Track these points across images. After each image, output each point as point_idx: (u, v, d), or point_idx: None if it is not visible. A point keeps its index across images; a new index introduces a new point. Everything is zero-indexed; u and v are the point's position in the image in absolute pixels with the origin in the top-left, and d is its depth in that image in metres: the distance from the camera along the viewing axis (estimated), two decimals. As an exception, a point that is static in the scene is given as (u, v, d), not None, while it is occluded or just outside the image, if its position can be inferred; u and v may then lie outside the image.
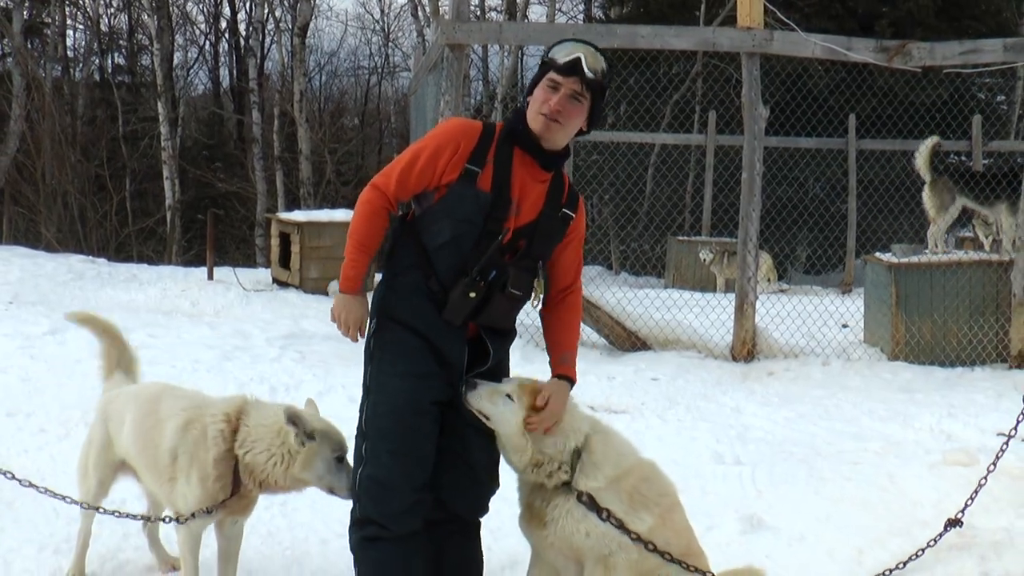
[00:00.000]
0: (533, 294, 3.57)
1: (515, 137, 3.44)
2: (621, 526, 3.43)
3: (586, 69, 3.37)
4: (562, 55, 3.40)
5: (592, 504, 3.42)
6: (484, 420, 3.41)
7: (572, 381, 3.53)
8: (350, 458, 3.52)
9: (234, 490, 3.64)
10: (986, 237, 12.19)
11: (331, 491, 3.61)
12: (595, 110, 3.48)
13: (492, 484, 3.62)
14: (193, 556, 3.74)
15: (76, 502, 3.95)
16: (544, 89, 3.40)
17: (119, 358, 4.36)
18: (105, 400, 4.16)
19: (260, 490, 3.68)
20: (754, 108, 8.77)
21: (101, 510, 3.98)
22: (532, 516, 3.51)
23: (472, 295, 3.34)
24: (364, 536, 3.41)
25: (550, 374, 3.53)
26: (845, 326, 10.11)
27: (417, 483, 3.38)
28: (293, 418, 3.52)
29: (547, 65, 3.43)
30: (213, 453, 3.59)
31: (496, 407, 3.39)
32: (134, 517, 4.07)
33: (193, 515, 3.61)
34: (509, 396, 3.40)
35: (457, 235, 3.36)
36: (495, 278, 3.36)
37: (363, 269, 3.47)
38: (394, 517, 3.36)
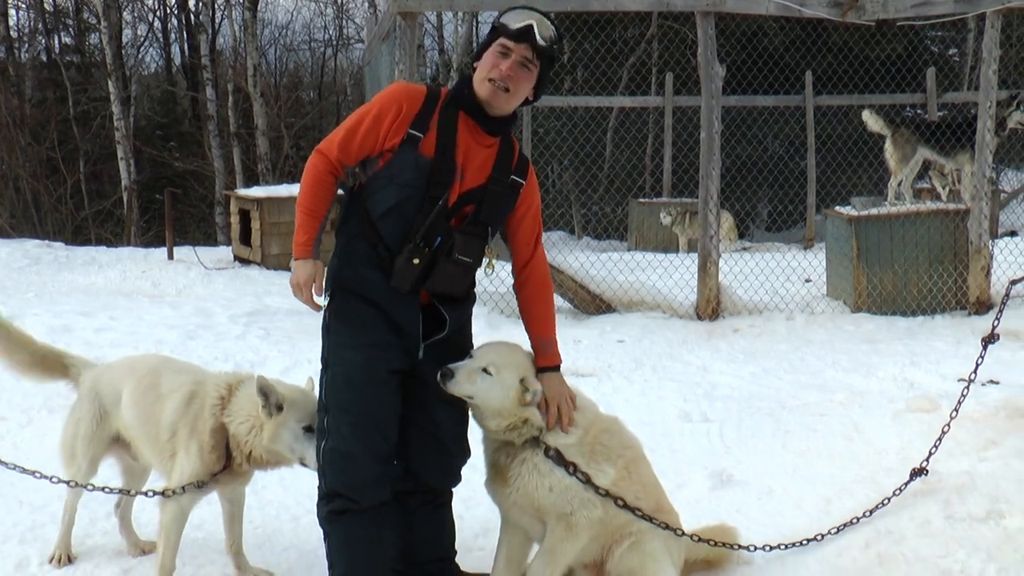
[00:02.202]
0: (485, 261, 3.55)
1: (460, 101, 3.40)
2: (588, 480, 3.46)
3: (538, 36, 3.35)
4: (514, 21, 3.37)
5: (559, 459, 3.45)
6: (468, 400, 3.43)
7: (557, 367, 3.57)
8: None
9: (227, 464, 3.69)
10: (943, 188, 12.31)
11: (302, 462, 3.62)
12: (543, 79, 3.45)
13: (462, 454, 3.64)
14: (177, 532, 3.75)
15: (64, 481, 3.93)
16: (494, 55, 3.37)
17: (54, 360, 4.25)
18: (93, 376, 4.08)
19: (249, 464, 3.71)
20: (710, 67, 8.76)
21: (90, 487, 3.97)
22: (497, 474, 3.53)
23: (416, 261, 3.31)
24: (332, 509, 3.40)
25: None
26: (808, 281, 10.19)
27: (380, 453, 3.37)
28: (263, 389, 3.55)
29: (497, 31, 3.40)
30: (209, 424, 3.65)
31: (475, 385, 3.39)
32: (125, 492, 4.06)
33: (184, 489, 3.64)
34: (486, 370, 3.40)
35: (401, 200, 3.34)
36: (440, 244, 3.34)
37: (313, 234, 3.42)
38: (359, 489, 3.35)
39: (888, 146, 9.83)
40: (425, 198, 3.33)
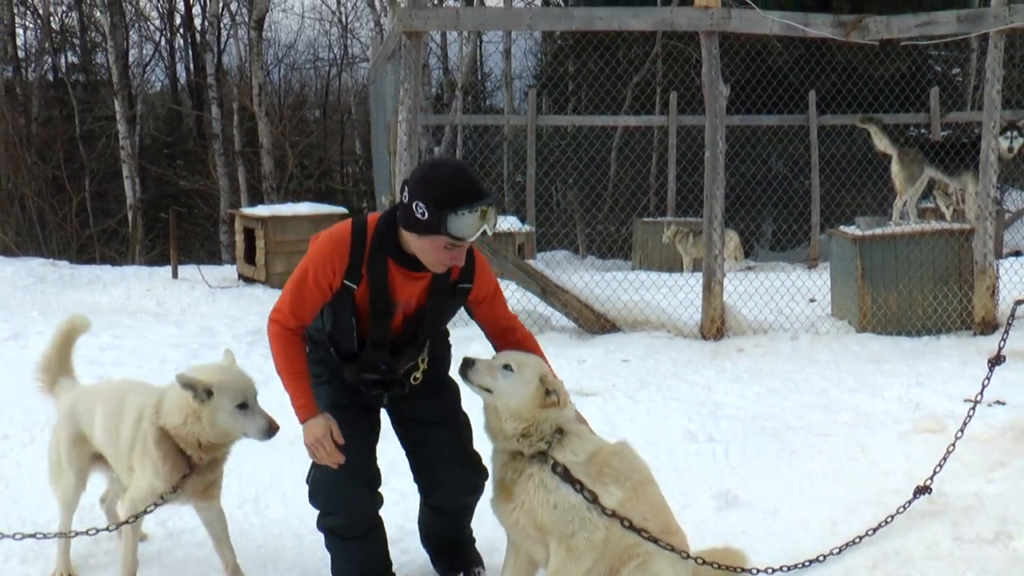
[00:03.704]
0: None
1: (390, 251, 3.47)
2: (595, 500, 3.44)
3: (490, 232, 3.40)
4: (467, 231, 3.27)
5: (566, 475, 3.44)
6: (486, 394, 3.48)
7: None
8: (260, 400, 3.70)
9: (191, 467, 3.72)
10: (947, 207, 12.32)
11: (244, 435, 3.70)
12: None
13: (475, 466, 3.81)
14: (134, 537, 3.84)
15: (52, 535, 3.97)
16: (441, 247, 3.33)
17: (63, 366, 4.38)
18: (71, 399, 4.16)
19: (208, 453, 3.73)
20: (714, 87, 8.77)
21: (74, 534, 4.03)
22: (502, 492, 3.54)
23: (363, 376, 3.63)
24: (326, 526, 3.71)
25: None
26: (812, 300, 10.17)
27: (354, 471, 3.57)
28: (185, 382, 3.58)
29: (447, 234, 3.27)
30: (150, 435, 3.69)
31: (497, 380, 3.45)
32: (108, 529, 4.06)
33: (157, 503, 3.70)
34: (507, 367, 3.47)
35: (345, 329, 3.58)
36: (386, 369, 3.61)
37: (308, 393, 3.53)
38: (344, 516, 3.63)
39: (894, 166, 9.83)
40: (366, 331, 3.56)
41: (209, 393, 3.59)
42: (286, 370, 3.52)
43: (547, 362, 3.67)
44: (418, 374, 3.68)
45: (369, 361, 3.59)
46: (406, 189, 3.34)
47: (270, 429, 3.67)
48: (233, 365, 3.80)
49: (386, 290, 3.49)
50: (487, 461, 3.69)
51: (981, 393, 4.76)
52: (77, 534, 3.98)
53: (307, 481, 3.72)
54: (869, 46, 9.42)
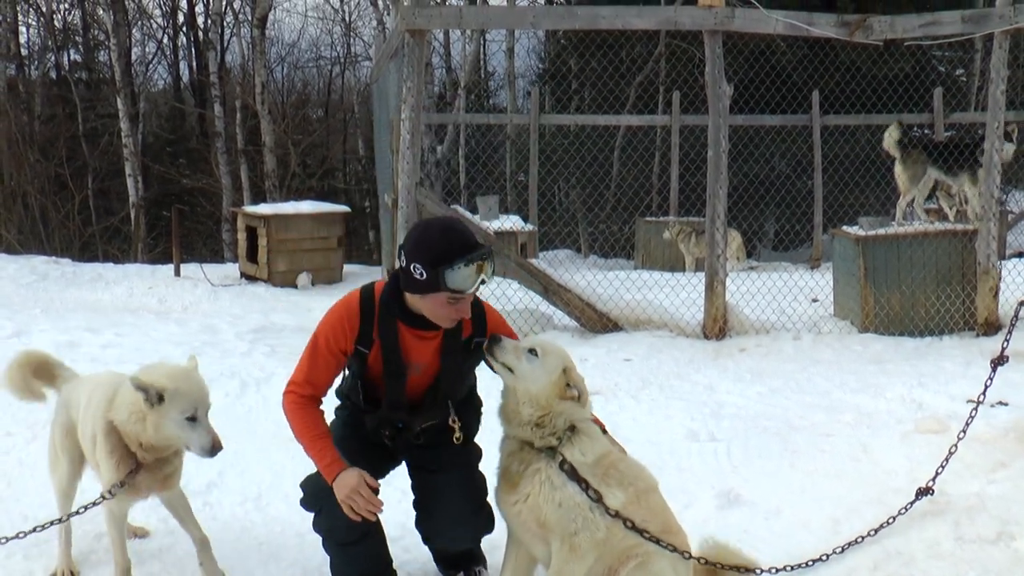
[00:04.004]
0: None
1: (398, 314, 3.56)
2: (599, 499, 3.45)
3: (488, 281, 3.47)
4: (464, 284, 3.39)
5: (573, 474, 3.44)
6: (507, 374, 3.49)
7: None
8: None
9: (138, 464, 3.69)
10: (950, 208, 12.29)
11: (187, 447, 3.66)
12: None
13: (477, 528, 3.80)
14: (118, 532, 3.82)
15: (46, 525, 3.94)
16: (444, 302, 3.44)
17: (51, 371, 4.36)
18: (66, 390, 4.19)
19: (149, 454, 3.69)
20: (717, 86, 8.77)
21: (64, 518, 4.03)
22: (506, 483, 3.55)
23: (384, 433, 3.69)
24: (323, 528, 3.70)
25: None
26: (815, 300, 10.16)
27: None
28: (139, 384, 3.53)
29: (446, 287, 3.38)
30: (100, 426, 3.66)
31: (521, 362, 3.47)
32: (87, 507, 4.00)
33: (105, 496, 3.68)
34: (533, 351, 3.48)
35: (362, 390, 3.70)
36: (402, 427, 3.67)
37: (332, 450, 3.56)
38: (336, 520, 3.56)
39: (899, 166, 9.84)
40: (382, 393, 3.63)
41: (160, 398, 3.54)
42: (305, 435, 3.56)
43: None
44: (458, 435, 3.70)
45: (387, 419, 3.65)
46: (402, 254, 3.47)
47: (213, 447, 3.61)
48: (192, 372, 3.73)
49: (398, 351, 3.57)
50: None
51: (984, 393, 4.75)
52: (52, 524, 3.97)
53: (301, 486, 3.72)
54: (873, 46, 9.42)
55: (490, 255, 3.47)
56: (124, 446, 3.67)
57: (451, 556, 4.01)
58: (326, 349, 3.57)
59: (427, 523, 3.80)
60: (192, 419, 3.58)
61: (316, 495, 3.63)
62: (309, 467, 5.38)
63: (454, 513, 3.69)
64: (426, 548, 4.11)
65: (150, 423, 3.57)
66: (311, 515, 3.73)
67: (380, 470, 3.73)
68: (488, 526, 3.77)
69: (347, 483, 3.45)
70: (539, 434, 3.49)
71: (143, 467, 3.69)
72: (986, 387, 4.74)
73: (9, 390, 4.28)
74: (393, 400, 3.63)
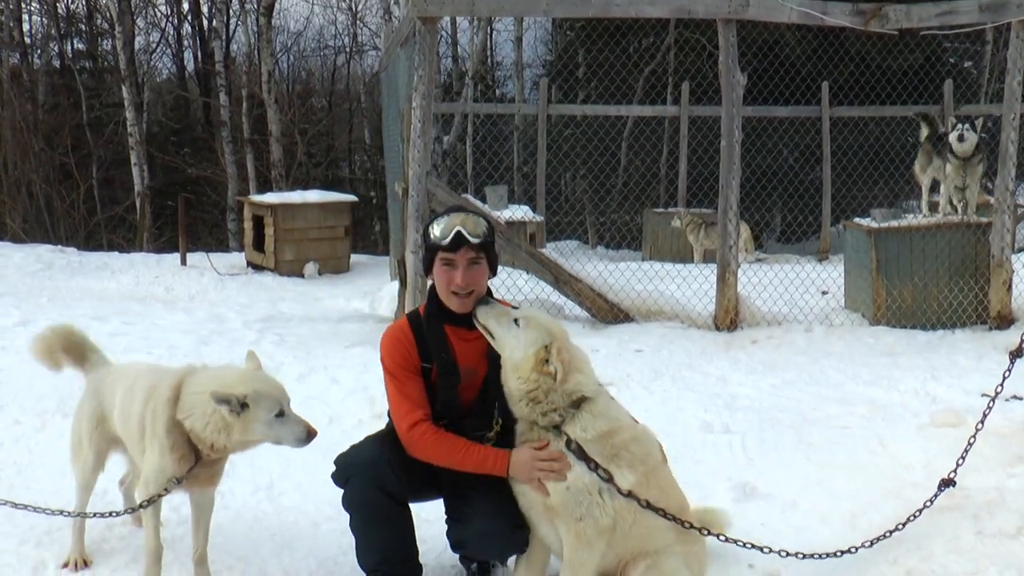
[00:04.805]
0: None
1: (441, 317, 3.68)
2: (610, 479, 3.42)
3: (470, 237, 3.54)
4: (443, 234, 3.58)
5: (580, 453, 3.42)
6: (489, 338, 3.53)
7: None
8: (294, 407, 3.63)
9: (196, 458, 3.64)
10: (958, 202, 12.19)
11: (278, 443, 3.62)
12: (492, 259, 3.70)
13: (512, 540, 3.66)
14: (154, 520, 3.75)
15: (56, 512, 3.89)
16: (442, 269, 3.62)
17: (83, 352, 4.31)
18: (97, 377, 4.14)
19: (217, 454, 3.66)
20: (731, 75, 8.68)
21: (72, 513, 4.00)
22: None
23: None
24: (352, 503, 3.66)
25: None
26: (825, 293, 10.09)
27: (388, 448, 3.63)
28: (220, 398, 3.47)
29: (433, 247, 3.62)
30: (162, 421, 3.60)
31: (502, 328, 3.50)
32: (116, 514, 4.03)
33: (167, 489, 3.63)
34: (517, 321, 3.49)
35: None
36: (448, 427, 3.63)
37: (483, 449, 3.55)
38: (364, 505, 3.61)
39: (919, 158, 9.78)
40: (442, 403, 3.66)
41: (244, 405, 3.50)
42: (456, 455, 3.53)
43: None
44: (491, 435, 3.67)
45: (438, 418, 3.63)
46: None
47: (308, 435, 3.59)
48: (262, 372, 3.72)
49: (448, 350, 3.64)
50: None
51: (1002, 385, 4.69)
52: (96, 515, 3.95)
53: (335, 461, 3.71)
54: (884, 37, 9.33)
55: (471, 213, 3.66)
56: (187, 443, 3.62)
57: None
58: (404, 369, 3.63)
59: (459, 534, 3.72)
60: (280, 415, 3.55)
61: (346, 467, 3.64)
62: (321, 457, 5.37)
63: (488, 529, 3.60)
64: (443, 540, 4.07)
65: (237, 430, 3.52)
66: (329, 500, 3.73)
67: (420, 493, 3.74)
68: (521, 547, 3.66)
69: (522, 461, 3.46)
70: (538, 411, 3.47)
71: (201, 463, 3.66)
72: (1004, 379, 4.67)
73: (34, 354, 4.26)
74: (446, 400, 3.63)
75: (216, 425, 3.53)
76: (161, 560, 3.79)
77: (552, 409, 3.46)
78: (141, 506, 3.70)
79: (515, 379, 3.47)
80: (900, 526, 4.18)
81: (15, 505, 3.90)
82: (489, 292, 3.75)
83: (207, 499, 3.90)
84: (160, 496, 3.66)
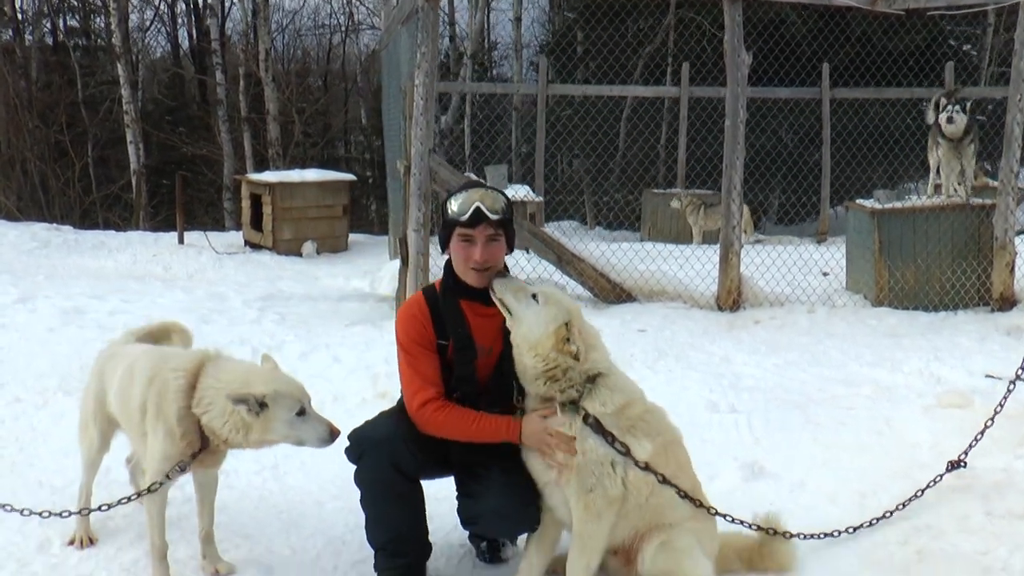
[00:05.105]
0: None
1: (456, 293, 3.63)
2: (627, 452, 3.41)
3: (489, 213, 3.49)
4: (462, 209, 3.53)
5: (598, 427, 3.40)
6: (506, 314, 3.47)
7: None
8: (314, 406, 3.55)
9: (203, 445, 3.56)
10: (959, 184, 12.16)
11: (300, 444, 3.55)
12: (510, 236, 3.65)
13: (523, 518, 3.63)
14: (158, 510, 3.66)
15: (53, 513, 3.78)
16: (460, 245, 3.57)
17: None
18: (104, 356, 4.09)
19: (229, 447, 3.59)
20: (736, 55, 8.62)
21: (87, 512, 3.97)
22: None
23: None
24: (363, 479, 3.62)
25: None
26: (826, 274, 10.07)
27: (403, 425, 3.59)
28: (238, 399, 3.40)
29: (452, 222, 3.57)
30: (174, 409, 3.51)
31: (520, 304, 3.45)
32: (121, 502, 3.86)
33: (168, 476, 3.54)
34: (535, 297, 3.44)
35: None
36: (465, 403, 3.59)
37: (495, 418, 3.50)
38: (375, 484, 3.59)
39: (929, 140, 9.75)
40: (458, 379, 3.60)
41: (263, 405, 3.42)
42: (469, 428, 3.51)
43: None
44: (518, 414, 3.60)
45: (454, 392, 3.59)
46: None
47: (331, 435, 3.52)
48: (279, 371, 3.64)
49: (464, 326, 3.58)
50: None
51: (1022, 367, 4.68)
52: (91, 511, 3.91)
53: (348, 436, 3.66)
54: (887, 17, 9.25)
55: (490, 189, 3.63)
56: (198, 430, 3.53)
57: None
58: (418, 345, 3.58)
59: (471, 510, 3.67)
60: (301, 413, 3.48)
61: (360, 443, 3.60)
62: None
63: (501, 505, 3.56)
64: (451, 518, 4.05)
65: (256, 429, 3.44)
66: (335, 479, 3.69)
67: (432, 471, 3.70)
68: (532, 525, 3.63)
69: (533, 430, 3.44)
70: (556, 388, 3.43)
71: (207, 449, 3.58)
72: (1025, 361, 4.66)
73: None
74: (463, 375, 3.57)
75: (235, 424, 3.45)
76: (167, 558, 3.70)
77: (570, 386, 3.43)
78: (139, 494, 3.64)
79: (532, 357, 3.42)
80: (901, 506, 4.21)
81: (10, 509, 3.76)
82: (505, 268, 3.71)
83: (210, 478, 3.84)
84: (161, 484, 3.56)
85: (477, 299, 3.61)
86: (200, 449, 3.56)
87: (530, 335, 3.42)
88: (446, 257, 3.71)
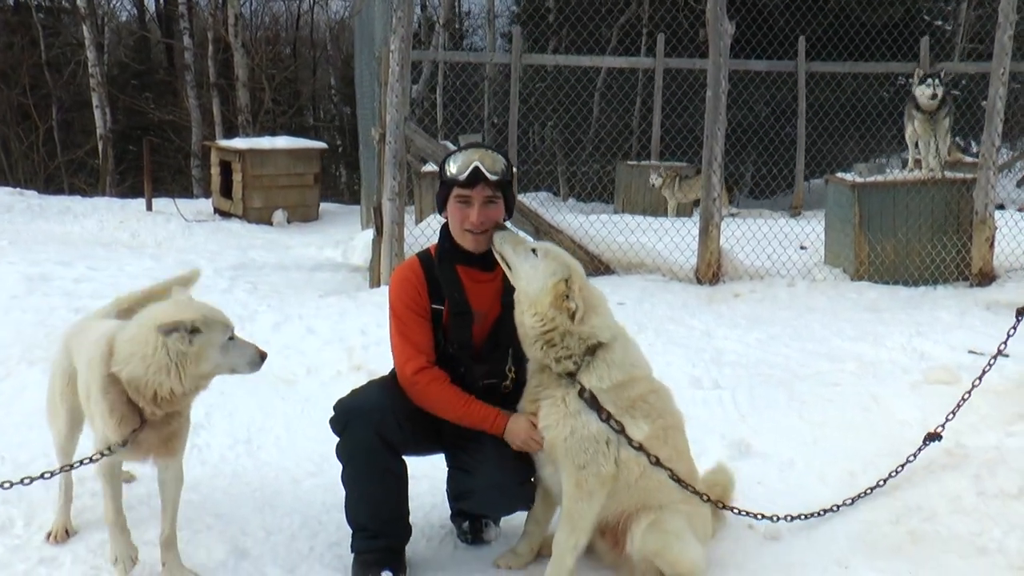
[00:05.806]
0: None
1: (452, 257, 3.55)
2: (622, 430, 3.32)
3: (488, 174, 3.39)
4: (460, 169, 3.43)
5: (593, 402, 3.31)
6: (505, 268, 3.40)
7: None
8: (239, 332, 3.38)
9: (142, 421, 3.27)
10: (933, 158, 12.13)
11: (233, 371, 3.35)
12: (509, 199, 3.56)
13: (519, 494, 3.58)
14: (111, 487, 3.42)
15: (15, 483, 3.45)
16: (457, 207, 3.49)
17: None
18: (71, 332, 3.80)
19: (160, 408, 3.25)
20: (719, 24, 8.49)
21: (47, 476, 3.53)
22: (529, 403, 3.44)
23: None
24: (344, 453, 3.50)
25: None
26: (804, 248, 9.99)
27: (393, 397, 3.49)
28: (168, 328, 3.14)
29: (449, 182, 3.47)
30: (98, 378, 3.25)
31: (518, 257, 3.37)
32: (83, 462, 3.55)
33: (103, 453, 3.28)
34: (535, 251, 3.36)
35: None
36: (464, 372, 3.54)
37: (484, 406, 3.46)
38: (356, 457, 3.47)
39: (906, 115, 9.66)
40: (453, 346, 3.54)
41: (195, 331, 3.17)
42: (458, 407, 3.44)
43: None
44: (508, 383, 3.59)
45: (450, 360, 3.53)
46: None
47: (261, 357, 3.35)
48: (193, 299, 3.40)
49: (461, 290, 3.51)
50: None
51: (1005, 343, 4.62)
52: (11, 485, 3.43)
53: (334, 407, 3.54)
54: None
55: (490, 149, 3.52)
56: (127, 402, 3.25)
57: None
58: (411, 311, 3.50)
59: (465, 484, 3.58)
60: (231, 338, 3.29)
61: (347, 412, 3.47)
62: (300, 408, 5.17)
63: (497, 479, 3.48)
64: (430, 498, 3.93)
65: (191, 360, 3.17)
66: (311, 456, 3.58)
67: (420, 446, 3.61)
68: (527, 503, 3.58)
69: (517, 430, 3.39)
70: (553, 355, 3.33)
71: (147, 425, 3.29)
72: (1009, 336, 4.60)
73: None
74: (460, 340, 3.48)
75: (159, 364, 3.15)
76: (126, 527, 3.45)
77: (567, 356, 3.32)
78: (64, 469, 3.50)
79: (531, 316, 3.32)
80: (882, 482, 4.17)
81: None
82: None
83: (172, 475, 3.52)
84: (93, 460, 3.31)
85: (474, 264, 3.53)
86: (139, 426, 3.27)
87: (529, 289, 3.32)
88: (444, 220, 3.61)
